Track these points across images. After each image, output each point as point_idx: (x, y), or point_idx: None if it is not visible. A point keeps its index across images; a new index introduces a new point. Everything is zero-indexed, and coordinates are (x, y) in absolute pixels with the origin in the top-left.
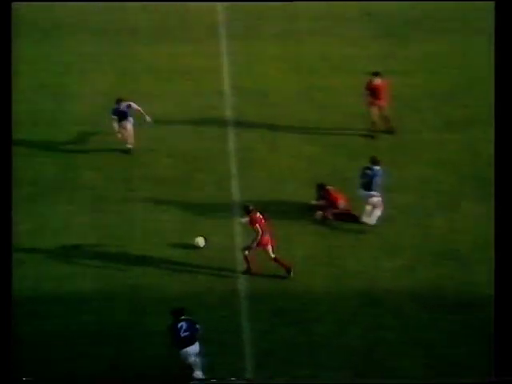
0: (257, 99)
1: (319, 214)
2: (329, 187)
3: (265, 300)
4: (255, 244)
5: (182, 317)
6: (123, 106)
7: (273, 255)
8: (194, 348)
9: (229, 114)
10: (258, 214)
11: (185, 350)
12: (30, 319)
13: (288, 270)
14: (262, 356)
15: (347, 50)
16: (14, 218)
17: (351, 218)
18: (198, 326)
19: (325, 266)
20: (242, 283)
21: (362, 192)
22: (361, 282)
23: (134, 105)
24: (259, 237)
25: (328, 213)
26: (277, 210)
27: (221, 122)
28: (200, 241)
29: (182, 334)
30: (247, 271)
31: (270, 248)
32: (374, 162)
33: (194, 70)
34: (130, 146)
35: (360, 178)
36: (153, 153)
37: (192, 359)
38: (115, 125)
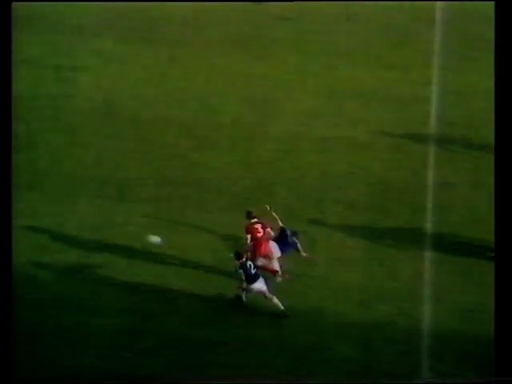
0: (464, 133)
1: None
2: None
3: (450, 341)
4: (248, 253)
5: (244, 257)
6: (290, 232)
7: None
8: (261, 281)
9: (432, 145)
10: (258, 226)
11: (254, 284)
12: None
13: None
14: None
15: None
16: (212, 226)
17: None
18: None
19: None
20: (427, 320)
21: None
22: None
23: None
24: (247, 245)
25: None
26: (474, 252)
27: (423, 153)
28: (153, 238)
29: (252, 271)
30: (274, 274)
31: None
32: None
33: (400, 97)
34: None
35: None
36: (349, 177)
37: (264, 289)
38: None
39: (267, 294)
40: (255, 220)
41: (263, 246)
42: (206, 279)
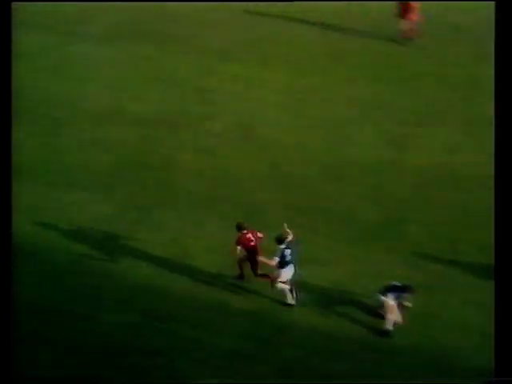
0: None
1: None
2: None
3: None
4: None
5: (284, 243)
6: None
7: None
8: (291, 268)
9: None
10: (250, 235)
11: (284, 269)
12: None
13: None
14: None
15: None
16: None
17: None
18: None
19: None
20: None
21: None
22: None
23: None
24: (237, 255)
25: None
26: None
27: None
28: None
29: (287, 259)
30: (240, 277)
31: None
32: None
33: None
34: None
35: None
36: (482, 216)
37: (289, 276)
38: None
39: (289, 281)
40: (245, 231)
41: (258, 252)
42: (327, 312)
